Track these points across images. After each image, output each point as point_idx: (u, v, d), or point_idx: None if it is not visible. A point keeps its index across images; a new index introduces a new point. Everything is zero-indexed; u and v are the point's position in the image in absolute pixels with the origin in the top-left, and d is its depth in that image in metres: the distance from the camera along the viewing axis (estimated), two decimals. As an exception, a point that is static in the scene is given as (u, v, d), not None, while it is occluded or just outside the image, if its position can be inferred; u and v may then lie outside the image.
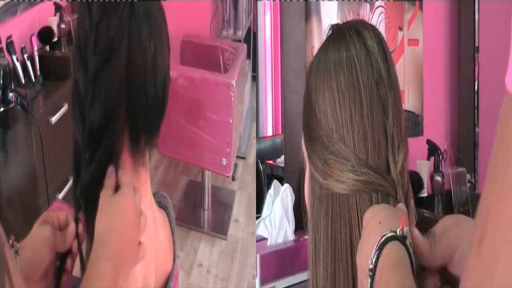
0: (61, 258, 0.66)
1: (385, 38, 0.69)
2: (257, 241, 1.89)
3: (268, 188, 2.02)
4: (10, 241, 0.62)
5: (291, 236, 1.89)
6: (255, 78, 3.17)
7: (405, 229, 0.56)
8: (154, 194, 0.76)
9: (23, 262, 0.62)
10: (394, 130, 0.65)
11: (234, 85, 2.33)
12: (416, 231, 0.60)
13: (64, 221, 0.67)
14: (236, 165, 2.87)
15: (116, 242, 0.60)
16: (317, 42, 2.21)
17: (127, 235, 0.61)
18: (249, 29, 3.73)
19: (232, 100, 2.34)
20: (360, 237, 0.62)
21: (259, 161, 2.26)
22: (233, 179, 3.07)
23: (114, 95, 0.61)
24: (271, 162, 2.31)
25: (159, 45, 0.67)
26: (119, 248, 0.59)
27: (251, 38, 3.76)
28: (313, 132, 0.69)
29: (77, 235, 0.66)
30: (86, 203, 0.64)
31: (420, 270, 0.60)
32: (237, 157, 3.00)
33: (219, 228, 2.80)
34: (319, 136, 0.67)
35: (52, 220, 0.67)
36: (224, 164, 2.45)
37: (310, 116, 0.70)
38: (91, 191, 0.63)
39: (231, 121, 2.37)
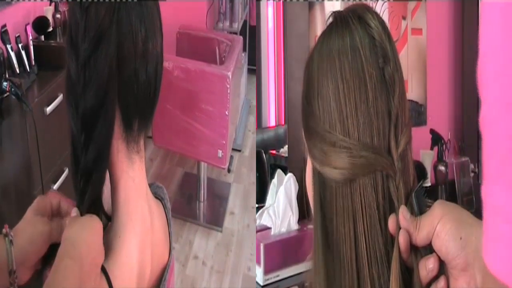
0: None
1: (388, 27, 0.68)
2: (260, 230, 1.88)
3: (271, 178, 2.01)
4: (4, 230, 0.61)
5: (294, 226, 1.88)
6: (252, 72, 3.16)
7: None
8: (150, 185, 0.75)
9: (18, 250, 0.62)
10: (399, 110, 0.64)
11: (230, 77, 2.32)
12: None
13: (57, 204, 0.67)
14: (231, 157, 2.87)
15: (83, 246, 0.59)
16: (320, 31, 2.19)
17: (94, 245, 0.60)
18: (245, 21, 3.72)
19: (228, 92, 2.33)
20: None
21: (262, 150, 2.24)
22: (229, 171, 3.07)
23: (105, 80, 0.61)
24: (274, 152, 2.31)
25: (150, 30, 0.66)
26: (86, 252, 0.59)
27: (247, 31, 3.76)
28: (311, 128, 0.68)
29: None
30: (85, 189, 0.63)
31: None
32: (233, 149, 3.00)
33: (215, 220, 2.80)
34: (317, 132, 0.67)
35: (46, 211, 0.67)
36: (220, 156, 2.45)
37: (308, 111, 0.69)
38: (89, 177, 0.62)
39: (227, 113, 2.36)
